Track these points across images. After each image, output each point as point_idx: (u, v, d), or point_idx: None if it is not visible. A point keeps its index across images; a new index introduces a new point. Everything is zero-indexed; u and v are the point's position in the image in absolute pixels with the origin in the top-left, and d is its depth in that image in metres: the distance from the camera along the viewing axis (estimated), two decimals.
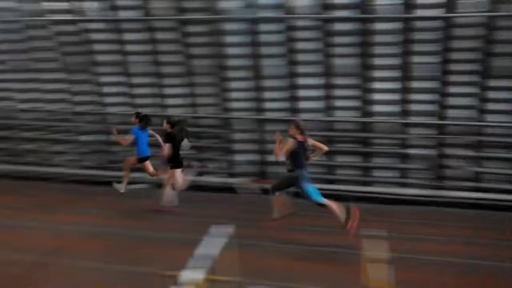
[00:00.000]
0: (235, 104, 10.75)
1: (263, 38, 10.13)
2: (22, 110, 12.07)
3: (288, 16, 9.82)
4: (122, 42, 10.86)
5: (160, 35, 10.65)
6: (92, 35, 10.98)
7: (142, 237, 7.71)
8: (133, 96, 11.25)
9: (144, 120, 9.32)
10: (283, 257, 6.92)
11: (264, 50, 10.20)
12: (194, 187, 9.93)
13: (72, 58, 11.29)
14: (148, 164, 9.46)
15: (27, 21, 11.17)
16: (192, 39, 10.53)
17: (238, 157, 10.96)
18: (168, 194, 8.98)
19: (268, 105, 10.55)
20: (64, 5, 10.80)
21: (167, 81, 10.96)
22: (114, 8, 10.57)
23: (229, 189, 10.65)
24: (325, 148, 7.74)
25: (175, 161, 8.89)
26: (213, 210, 9.29)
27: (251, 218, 8.51)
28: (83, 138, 11.77)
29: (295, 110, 10.41)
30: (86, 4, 10.68)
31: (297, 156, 7.43)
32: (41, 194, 10.50)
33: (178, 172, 8.99)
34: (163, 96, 11.08)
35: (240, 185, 10.45)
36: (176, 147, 8.81)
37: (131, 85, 11.18)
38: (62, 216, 8.84)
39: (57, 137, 11.87)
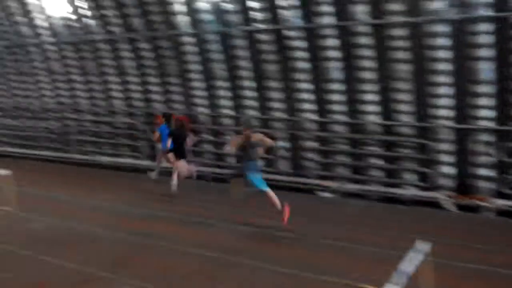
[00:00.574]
0: (436, 111, 9.97)
1: (472, 39, 9.23)
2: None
3: (505, 14, 8.80)
4: (317, 48, 10.82)
5: (356, 40, 10.35)
6: (288, 42, 11.15)
7: (332, 246, 7.45)
8: (324, 102, 11.15)
9: (169, 120, 11.20)
10: (481, 281, 6.10)
11: (473, 53, 9.28)
12: (382, 199, 9.43)
13: (268, 66, 11.61)
14: (171, 156, 10.69)
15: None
16: (390, 43, 10.04)
17: (439, 169, 10.12)
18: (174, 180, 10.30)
19: (475, 112, 9.57)
20: (261, 16, 11.15)
21: (361, 87, 10.62)
22: (310, 15, 10.58)
23: (426, 203, 9.92)
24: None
25: (178, 152, 10.39)
26: (407, 225, 8.71)
27: (448, 235, 7.84)
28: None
29: (507, 118, 9.29)
30: (283, 13, 10.85)
31: (245, 149, 8.42)
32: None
33: (181, 162, 10.39)
34: (356, 101, 10.77)
35: (444, 200, 9.66)
36: (178, 141, 10.36)
37: (325, 91, 11.08)
38: (242, 217, 8.94)
39: None
